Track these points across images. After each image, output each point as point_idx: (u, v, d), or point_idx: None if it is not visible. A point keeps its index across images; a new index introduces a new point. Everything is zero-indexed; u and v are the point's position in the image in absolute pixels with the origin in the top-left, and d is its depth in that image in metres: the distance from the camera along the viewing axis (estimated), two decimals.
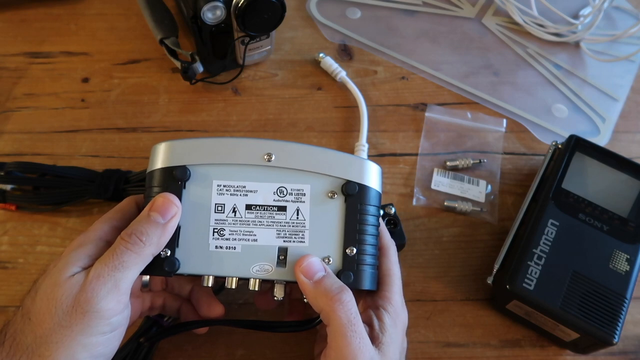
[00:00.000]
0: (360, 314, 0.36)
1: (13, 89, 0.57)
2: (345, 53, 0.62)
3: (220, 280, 0.37)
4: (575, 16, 0.66)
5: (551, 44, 0.65)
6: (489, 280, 0.46)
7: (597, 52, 0.65)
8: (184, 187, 0.36)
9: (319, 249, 0.37)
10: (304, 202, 0.37)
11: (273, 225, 0.37)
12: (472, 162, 0.54)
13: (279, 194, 0.37)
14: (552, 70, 0.63)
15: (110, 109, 0.57)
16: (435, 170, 0.54)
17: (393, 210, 0.50)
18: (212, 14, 0.51)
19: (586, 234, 0.46)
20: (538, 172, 0.51)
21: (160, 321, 0.43)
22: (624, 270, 0.44)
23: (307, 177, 0.37)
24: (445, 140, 0.57)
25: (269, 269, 0.36)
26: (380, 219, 0.39)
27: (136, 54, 0.60)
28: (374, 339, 0.35)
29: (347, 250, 0.37)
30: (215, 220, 0.36)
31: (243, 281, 0.37)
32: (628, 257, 0.45)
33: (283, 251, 0.37)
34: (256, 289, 0.36)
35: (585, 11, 0.67)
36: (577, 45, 0.65)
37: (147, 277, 0.40)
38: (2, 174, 0.49)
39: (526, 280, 0.43)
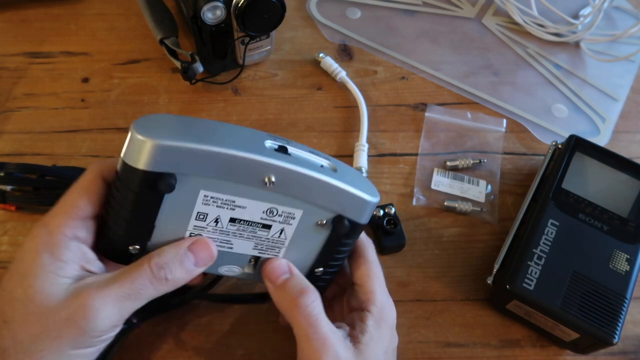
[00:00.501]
0: (344, 316, 0.38)
1: (13, 89, 0.57)
2: (345, 53, 0.62)
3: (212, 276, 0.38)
4: (575, 16, 0.67)
5: (551, 44, 0.65)
6: (489, 280, 0.46)
7: (597, 52, 0.65)
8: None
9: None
10: (291, 224, 0.35)
11: (252, 238, 0.35)
12: (472, 162, 0.54)
13: (268, 213, 0.34)
14: (552, 70, 0.63)
15: (110, 109, 0.57)
16: (435, 170, 0.54)
17: (393, 210, 0.50)
18: (212, 14, 0.51)
19: (586, 234, 0.46)
20: (538, 172, 0.51)
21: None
22: (624, 270, 0.44)
23: (302, 204, 0.34)
24: (445, 140, 0.57)
25: (237, 271, 0.37)
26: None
27: (136, 54, 0.60)
28: (353, 338, 0.35)
29: (315, 270, 0.38)
30: (195, 226, 0.34)
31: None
32: (628, 257, 0.45)
33: (255, 258, 0.37)
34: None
35: (585, 11, 0.67)
36: (577, 45, 0.65)
37: None
38: (2, 174, 0.49)
39: (526, 280, 0.43)
